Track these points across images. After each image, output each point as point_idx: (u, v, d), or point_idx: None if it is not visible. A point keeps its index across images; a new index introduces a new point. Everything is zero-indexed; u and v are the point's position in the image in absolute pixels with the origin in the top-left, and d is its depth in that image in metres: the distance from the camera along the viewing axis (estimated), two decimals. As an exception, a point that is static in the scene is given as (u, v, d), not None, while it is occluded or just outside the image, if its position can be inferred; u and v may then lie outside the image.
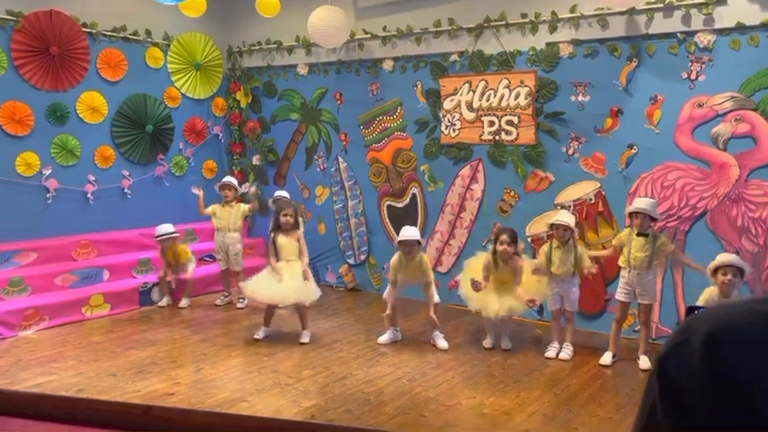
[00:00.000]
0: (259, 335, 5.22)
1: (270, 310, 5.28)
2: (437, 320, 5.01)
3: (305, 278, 5.16)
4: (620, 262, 4.73)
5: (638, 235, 4.57)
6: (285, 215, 5.18)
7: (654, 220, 4.61)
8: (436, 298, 5.06)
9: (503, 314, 4.93)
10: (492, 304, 4.88)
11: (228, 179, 6.51)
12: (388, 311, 5.11)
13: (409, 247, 4.98)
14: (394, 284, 5.11)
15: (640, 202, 4.63)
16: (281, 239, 5.18)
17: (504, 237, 4.89)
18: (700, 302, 4.21)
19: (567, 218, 4.84)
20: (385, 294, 5.23)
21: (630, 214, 4.63)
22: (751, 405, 0.54)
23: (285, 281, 5.07)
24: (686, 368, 0.57)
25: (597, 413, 3.88)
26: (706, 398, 0.56)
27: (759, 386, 0.54)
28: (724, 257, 4.19)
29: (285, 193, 6.45)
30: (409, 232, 5.06)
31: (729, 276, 4.06)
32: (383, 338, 5.18)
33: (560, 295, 4.85)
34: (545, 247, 4.91)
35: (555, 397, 4.12)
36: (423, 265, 5.04)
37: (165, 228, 6.23)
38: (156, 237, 6.21)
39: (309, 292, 5.18)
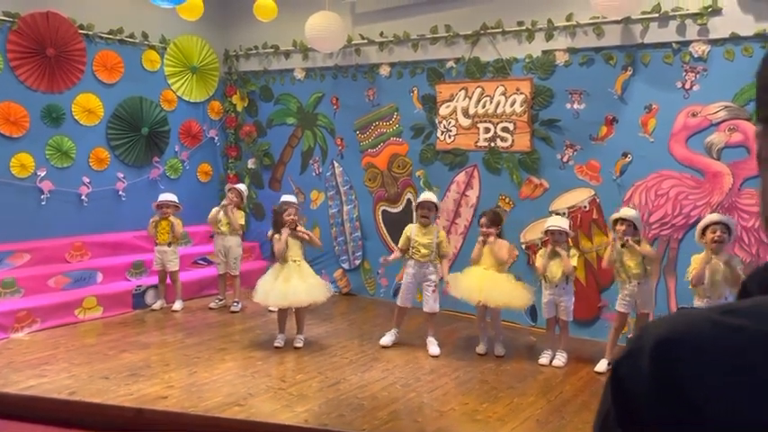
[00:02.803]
0: (279, 343, 5.15)
1: (282, 315, 5.24)
2: (446, 275, 5.11)
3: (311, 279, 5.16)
4: (620, 277, 4.72)
5: (622, 246, 4.58)
6: (289, 214, 5.15)
7: (636, 230, 4.61)
8: (447, 270, 5.16)
9: (486, 303, 4.95)
10: (474, 292, 4.94)
11: (239, 185, 6.52)
12: (388, 258, 5.29)
13: (426, 210, 5.04)
14: (403, 251, 5.17)
15: (629, 210, 4.66)
16: (289, 240, 5.11)
17: (483, 220, 5.04)
18: (690, 270, 4.31)
19: (561, 222, 4.87)
20: (399, 302, 5.23)
21: (615, 221, 4.64)
22: (699, 414, 0.53)
23: (294, 283, 5.04)
24: (637, 375, 0.57)
25: (590, 420, 3.87)
26: (655, 406, 0.55)
27: (708, 395, 0.53)
28: (711, 216, 4.30)
29: (293, 198, 6.41)
30: (428, 194, 5.17)
31: (718, 233, 4.16)
32: (385, 340, 5.19)
33: (554, 303, 4.87)
34: (541, 251, 4.94)
35: (548, 403, 4.13)
36: (440, 236, 5.12)
37: (167, 195, 6.22)
38: (157, 203, 6.16)
39: (320, 291, 5.15)
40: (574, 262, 4.79)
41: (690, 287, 4.38)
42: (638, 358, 0.58)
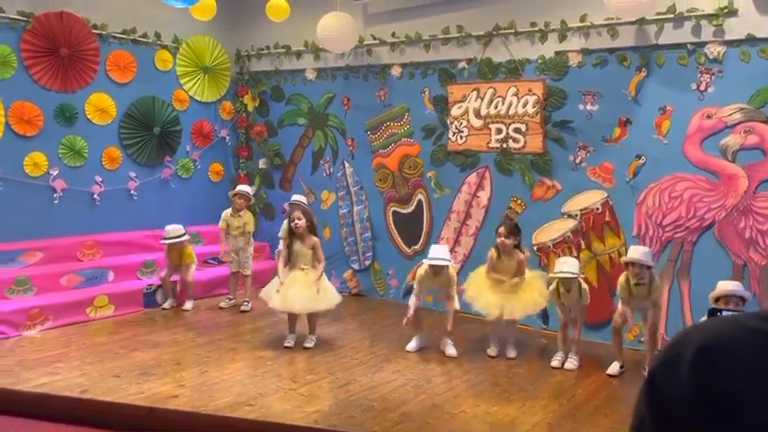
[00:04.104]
0: (289, 343, 5.14)
1: (292, 316, 5.23)
2: (451, 329, 5.01)
3: (317, 290, 5.07)
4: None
5: (636, 285, 4.53)
6: (293, 220, 5.14)
7: (650, 267, 4.55)
8: (456, 306, 5.05)
9: (506, 318, 4.92)
10: (493, 306, 4.90)
11: (243, 188, 6.51)
12: (409, 314, 4.97)
13: (439, 268, 4.95)
14: (418, 296, 5.07)
15: (635, 252, 4.55)
16: (296, 246, 5.11)
17: (501, 229, 4.96)
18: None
19: (570, 267, 4.75)
20: (410, 302, 5.19)
21: (627, 264, 4.58)
22: (739, 420, 0.54)
23: (294, 291, 5.02)
24: (676, 382, 0.58)
25: (602, 424, 3.85)
26: (694, 412, 0.56)
27: (747, 401, 0.54)
28: (725, 287, 4.13)
29: (303, 197, 6.43)
30: (440, 254, 4.96)
31: (731, 306, 4.00)
32: (411, 345, 5.12)
33: (568, 308, 4.85)
34: (552, 288, 4.88)
35: (560, 407, 4.09)
36: (449, 279, 5.02)
37: (175, 230, 6.16)
38: (165, 239, 6.15)
39: (330, 300, 5.13)
40: (588, 299, 4.82)
41: None
42: (677, 365, 0.58)
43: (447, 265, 4.99)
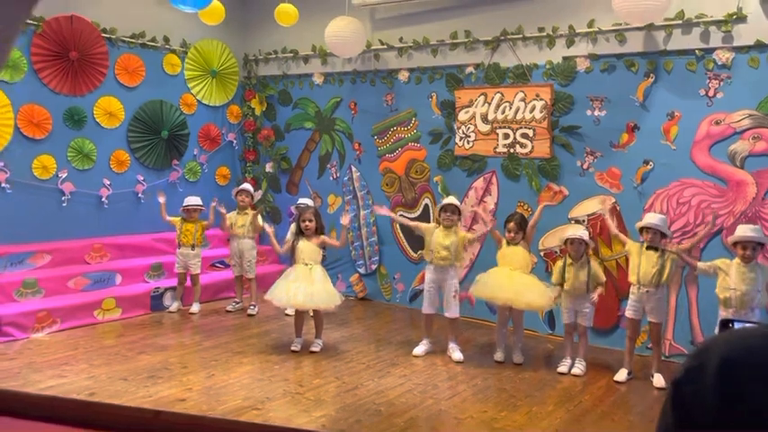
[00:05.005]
0: (296, 347, 5.17)
1: (299, 320, 5.25)
2: (457, 292, 5.09)
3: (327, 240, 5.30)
4: (630, 278, 4.69)
5: (648, 248, 4.53)
6: (304, 221, 5.20)
7: (664, 236, 4.57)
8: (464, 260, 5.18)
9: (515, 305, 4.91)
10: (500, 291, 4.90)
11: (245, 185, 6.55)
12: (384, 209, 5.38)
13: (450, 213, 5.00)
14: (418, 227, 5.27)
15: (651, 218, 4.61)
16: (302, 243, 5.17)
17: (511, 225, 4.98)
18: (708, 265, 4.35)
19: (581, 232, 4.81)
20: (424, 309, 5.19)
21: (641, 229, 4.59)
22: (760, 421, 0.55)
23: (306, 285, 5.05)
24: (701, 392, 0.59)
25: (610, 430, 3.83)
26: (720, 421, 0.57)
27: (765, 403, 0.55)
28: (742, 232, 4.24)
29: (309, 200, 6.48)
30: (452, 198, 5.20)
31: (749, 252, 4.19)
32: (418, 350, 5.14)
33: (574, 310, 4.82)
34: (559, 263, 4.89)
35: (567, 413, 4.08)
36: (460, 239, 5.05)
37: (194, 200, 6.29)
38: (184, 206, 6.24)
39: (325, 299, 5.14)
40: (601, 276, 4.80)
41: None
42: (702, 374, 0.60)
43: (457, 210, 5.05)
